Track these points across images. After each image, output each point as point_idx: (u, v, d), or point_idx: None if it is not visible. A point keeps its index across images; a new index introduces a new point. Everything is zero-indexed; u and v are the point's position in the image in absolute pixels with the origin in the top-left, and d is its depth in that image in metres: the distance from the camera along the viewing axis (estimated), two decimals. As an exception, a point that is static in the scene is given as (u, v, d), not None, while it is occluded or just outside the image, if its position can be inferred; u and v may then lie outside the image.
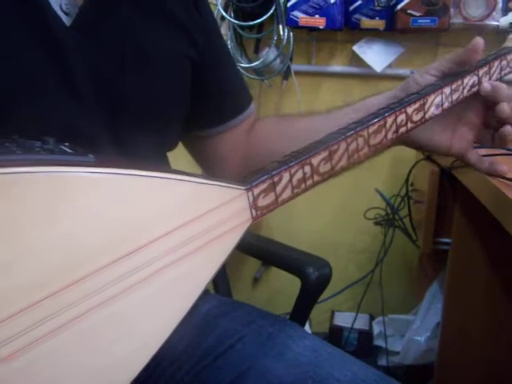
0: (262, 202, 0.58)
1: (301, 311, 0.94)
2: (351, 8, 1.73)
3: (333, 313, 2.02)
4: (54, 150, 0.47)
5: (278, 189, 0.59)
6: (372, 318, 1.99)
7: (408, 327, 1.71)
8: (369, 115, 0.69)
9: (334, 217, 2.01)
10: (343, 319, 1.97)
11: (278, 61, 1.78)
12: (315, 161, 0.62)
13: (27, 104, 0.62)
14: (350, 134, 0.65)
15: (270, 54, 1.76)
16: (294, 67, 1.82)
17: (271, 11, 1.68)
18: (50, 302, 0.45)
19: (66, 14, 0.64)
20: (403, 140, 0.77)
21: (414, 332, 1.64)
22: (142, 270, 0.50)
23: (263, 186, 0.58)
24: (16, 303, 0.44)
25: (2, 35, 0.60)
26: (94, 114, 0.67)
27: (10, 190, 0.43)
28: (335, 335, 1.93)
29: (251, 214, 0.57)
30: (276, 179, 0.59)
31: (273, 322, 0.82)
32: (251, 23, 1.71)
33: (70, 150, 0.48)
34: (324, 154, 0.63)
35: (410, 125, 0.71)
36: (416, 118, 0.71)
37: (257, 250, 1.04)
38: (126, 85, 0.69)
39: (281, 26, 1.71)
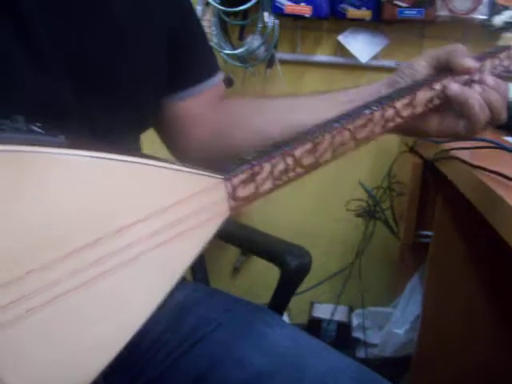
0: (242, 192, 0.56)
1: (279, 300, 0.92)
2: (337, -3, 1.72)
3: (312, 304, 2.02)
4: (23, 129, 0.45)
5: (259, 180, 0.57)
6: (351, 309, 1.99)
7: (387, 320, 1.71)
8: (356, 108, 0.67)
9: (315, 207, 2.00)
10: (322, 311, 1.97)
11: (263, 48, 1.76)
12: (298, 152, 0.60)
13: None
14: (335, 126, 0.63)
15: (254, 41, 1.73)
16: (279, 55, 1.80)
17: (256, -2, 1.66)
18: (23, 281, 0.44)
19: None
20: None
21: (394, 324, 1.65)
22: (115, 256, 0.48)
23: (243, 177, 0.55)
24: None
25: None
26: (63, 90, 0.64)
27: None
28: (314, 326, 1.92)
29: (229, 204, 0.55)
30: (256, 169, 0.56)
31: (250, 310, 0.81)
32: (236, 9, 1.68)
33: (39, 130, 0.46)
34: (308, 146, 0.60)
35: (398, 120, 0.69)
36: (405, 113, 0.69)
37: (236, 237, 1.03)
38: (94, 56, 0.67)
39: (266, 13, 1.69)
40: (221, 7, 1.70)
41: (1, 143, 0.42)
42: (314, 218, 2.01)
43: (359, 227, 1.89)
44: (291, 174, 0.60)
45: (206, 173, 0.53)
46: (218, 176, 0.54)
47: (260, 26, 1.71)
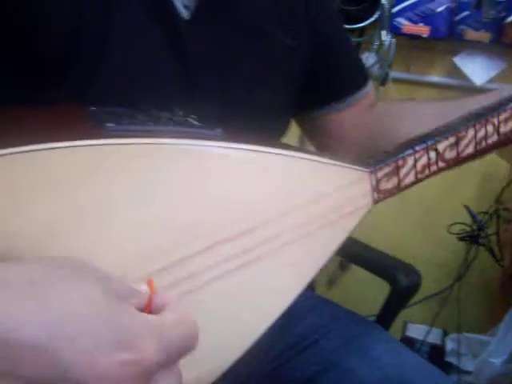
0: (385, 185, 0.57)
1: (387, 316, 0.94)
2: (457, 18, 1.69)
3: (405, 323, 1.99)
4: (183, 122, 0.49)
5: (402, 173, 0.58)
6: (445, 333, 1.95)
7: (483, 348, 1.67)
8: (501, 100, 0.66)
9: (417, 226, 1.98)
10: (415, 331, 1.94)
11: (377, 66, 1.77)
12: (441, 147, 0.60)
13: (148, 93, 0.63)
14: (479, 120, 0.63)
15: (369, 58, 1.75)
16: (392, 74, 1.81)
17: (375, 16, 1.68)
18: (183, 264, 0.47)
19: (186, 7, 0.65)
20: None
21: (490, 353, 1.60)
22: (261, 247, 0.50)
23: (387, 170, 0.57)
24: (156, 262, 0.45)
25: (130, 27, 0.61)
26: (206, 108, 0.67)
27: (153, 157, 0.45)
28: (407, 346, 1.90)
29: (373, 197, 0.57)
30: (400, 163, 0.58)
31: (359, 323, 0.83)
32: (354, 26, 1.71)
33: (197, 123, 0.49)
34: (451, 140, 0.61)
35: None
36: None
37: (347, 250, 1.04)
38: (236, 77, 0.70)
39: (384, 32, 1.71)
40: (339, 24, 1.73)
41: (168, 137, 0.46)
42: (414, 237, 1.98)
43: (460, 251, 1.86)
44: (433, 168, 0.60)
45: (351, 165, 0.55)
46: (364, 169, 0.56)
47: (376, 44, 1.73)
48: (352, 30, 1.77)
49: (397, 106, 0.90)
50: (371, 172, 0.56)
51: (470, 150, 0.63)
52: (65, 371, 0.33)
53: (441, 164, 0.61)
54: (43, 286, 0.35)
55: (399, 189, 0.59)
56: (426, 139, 0.60)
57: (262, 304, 0.52)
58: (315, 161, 0.53)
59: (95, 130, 0.44)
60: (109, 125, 0.45)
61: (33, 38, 0.56)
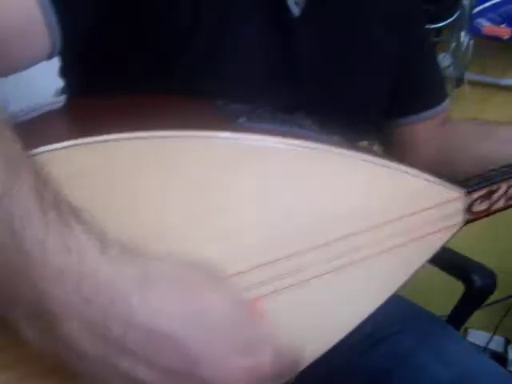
0: (477, 207, 0.60)
1: (459, 316, 0.94)
2: (540, 20, 1.66)
3: (466, 329, 1.97)
4: (304, 125, 0.51)
5: (494, 197, 0.61)
6: (508, 342, 1.92)
7: (547, 359, 1.63)
8: None
9: (485, 232, 1.93)
10: (477, 337, 1.91)
11: (452, 67, 1.75)
12: None
13: (254, 89, 0.63)
14: None
15: (445, 59, 1.73)
16: (467, 76, 1.78)
17: (455, 16, 1.66)
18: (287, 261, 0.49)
19: (297, 3, 0.66)
20: None
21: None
22: (356, 253, 0.52)
23: (481, 193, 0.60)
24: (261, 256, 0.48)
25: (244, 25, 0.63)
26: (307, 104, 0.68)
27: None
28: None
29: (464, 217, 0.59)
30: (494, 188, 0.60)
31: (432, 321, 0.83)
32: (432, 26, 1.69)
33: (316, 127, 0.51)
34: None
35: None
36: None
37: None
38: (338, 77, 0.72)
39: (463, 33, 1.68)
40: (416, 23, 1.71)
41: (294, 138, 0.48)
42: (482, 241, 1.95)
43: (529, 259, 1.82)
44: None
45: (449, 184, 0.57)
46: (460, 190, 0.58)
47: (454, 44, 1.71)
48: (429, 30, 1.75)
49: (476, 126, 0.91)
50: (467, 193, 0.59)
51: None
52: (195, 366, 0.36)
53: None
54: (187, 285, 0.38)
55: (489, 212, 0.62)
56: None
57: (351, 307, 0.56)
58: (417, 176, 0.55)
59: (224, 123, 0.46)
60: (241, 120, 0.47)
61: (153, 36, 0.59)
